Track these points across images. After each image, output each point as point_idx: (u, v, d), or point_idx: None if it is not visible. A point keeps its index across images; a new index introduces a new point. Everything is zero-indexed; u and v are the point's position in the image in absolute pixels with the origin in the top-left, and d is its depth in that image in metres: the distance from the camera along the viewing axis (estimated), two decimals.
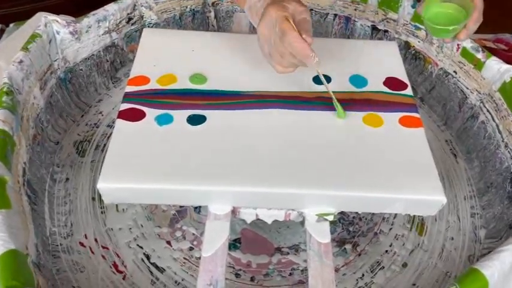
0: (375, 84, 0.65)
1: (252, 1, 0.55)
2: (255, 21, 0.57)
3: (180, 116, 0.58)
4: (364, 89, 0.64)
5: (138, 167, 0.53)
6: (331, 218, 0.55)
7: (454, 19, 0.60)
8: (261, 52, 0.56)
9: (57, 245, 0.59)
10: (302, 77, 0.64)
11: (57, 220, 0.62)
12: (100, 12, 0.73)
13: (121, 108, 0.59)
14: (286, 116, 0.59)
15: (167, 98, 0.60)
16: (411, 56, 0.83)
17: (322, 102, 0.61)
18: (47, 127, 0.68)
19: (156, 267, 0.59)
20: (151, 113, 0.58)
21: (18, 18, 0.94)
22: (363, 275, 0.60)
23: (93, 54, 0.75)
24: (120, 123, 0.57)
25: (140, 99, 0.60)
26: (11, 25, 0.95)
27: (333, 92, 0.59)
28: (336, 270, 0.60)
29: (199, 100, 0.60)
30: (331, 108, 0.60)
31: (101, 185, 0.51)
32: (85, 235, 0.61)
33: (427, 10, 0.61)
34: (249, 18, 0.58)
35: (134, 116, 0.58)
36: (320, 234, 0.53)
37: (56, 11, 0.80)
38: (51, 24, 0.68)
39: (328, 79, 0.64)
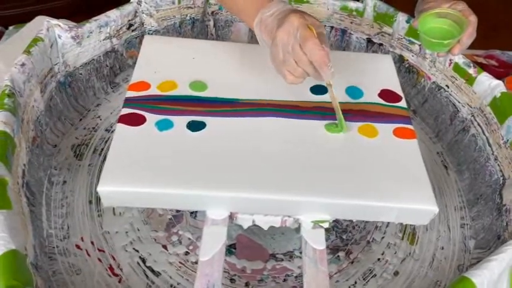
0: (370, 96, 0.67)
1: (264, 15, 0.56)
2: (263, 35, 0.57)
3: (180, 121, 0.59)
4: (359, 100, 0.66)
5: (137, 171, 0.53)
6: (326, 225, 0.56)
7: (448, 34, 0.62)
8: (271, 59, 0.56)
9: (54, 247, 0.59)
10: (300, 87, 0.65)
11: (54, 222, 0.62)
12: (102, 18, 0.74)
13: (122, 113, 0.60)
14: (284, 125, 0.61)
15: (167, 104, 0.61)
16: (405, 69, 0.85)
17: (319, 112, 0.63)
18: (46, 130, 0.68)
19: (152, 271, 0.59)
20: (151, 118, 0.59)
21: (17, 20, 0.95)
22: (356, 282, 0.61)
23: (93, 59, 0.76)
24: (121, 128, 0.58)
25: (141, 105, 0.61)
26: (11, 28, 0.96)
27: (330, 102, 0.61)
28: (329, 277, 0.60)
29: (199, 107, 0.61)
30: (328, 118, 0.61)
31: (101, 188, 0.52)
32: (81, 238, 0.61)
33: (423, 24, 0.63)
34: (257, 33, 0.59)
35: (135, 120, 0.59)
36: (315, 241, 0.54)
37: (54, 14, 0.82)
38: (53, 29, 0.69)
39: (325, 89, 0.66)
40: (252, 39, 0.88)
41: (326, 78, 0.54)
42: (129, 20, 0.78)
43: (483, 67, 0.87)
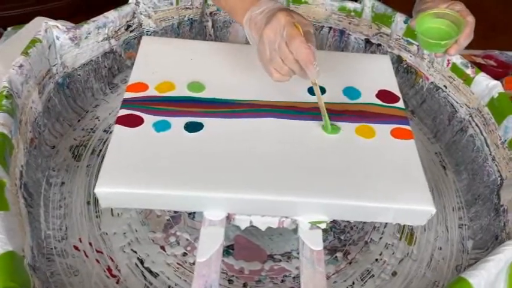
0: (368, 97, 0.67)
1: (254, 13, 0.57)
2: (253, 33, 0.58)
3: (178, 122, 0.59)
4: (357, 100, 0.66)
5: (135, 172, 0.53)
6: (323, 226, 0.56)
7: (446, 34, 0.62)
8: (259, 57, 0.57)
9: (52, 248, 0.59)
10: (297, 88, 0.65)
11: (52, 223, 0.62)
12: (100, 19, 0.74)
13: (119, 114, 0.60)
14: (281, 126, 0.61)
15: (165, 105, 0.61)
16: (403, 69, 0.85)
17: (316, 112, 0.62)
18: (44, 131, 0.68)
19: (150, 272, 0.59)
20: (149, 119, 0.59)
21: (19, 21, 0.95)
22: (353, 283, 0.61)
23: (91, 60, 0.76)
24: (118, 129, 0.58)
25: (138, 106, 0.61)
26: (9, 29, 0.96)
27: (327, 102, 0.61)
28: (327, 278, 0.60)
29: (196, 108, 0.61)
30: None
31: (98, 189, 0.52)
32: (79, 239, 0.61)
33: (420, 25, 0.63)
34: (246, 30, 0.59)
35: (132, 121, 0.59)
36: (313, 242, 0.54)
37: (53, 15, 0.82)
38: (51, 30, 0.69)
39: (323, 90, 0.66)
40: None
41: (311, 76, 0.55)
42: (127, 21, 0.78)
43: (481, 67, 0.87)
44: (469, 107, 0.74)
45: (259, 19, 0.56)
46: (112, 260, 0.59)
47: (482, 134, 0.71)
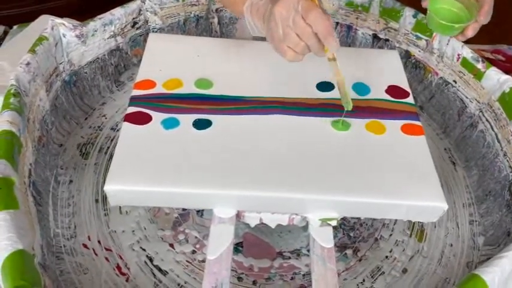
0: (378, 92, 0.66)
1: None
2: (255, 19, 0.56)
3: (186, 120, 0.59)
4: (366, 96, 0.65)
5: (144, 170, 0.53)
6: (334, 223, 0.55)
7: (456, 17, 0.61)
8: (269, 37, 0.54)
9: (61, 247, 0.59)
10: (306, 84, 0.65)
11: (61, 222, 0.62)
12: (106, 16, 0.74)
13: (127, 112, 0.59)
14: (290, 122, 0.60)
15: (173, 102, 0.61)
16: (411, 65, 0.84)
17: (325, 108, 0.62)
18: (51, 129, 0.68)
19: (159, 269, 0.59)
20: (157, 116, 0.59)
21: (21, 20, 0.95)
22: (364, 280, 0.60)
23: (98, 58, 0.76)
24: (127, 126, 0.57)
25: (147, 103, 0.60)
26: (15, 27, 0.96)
27: (336, 99, 0.60)
28: (337, 275, 0.60)
29: (205, 105, 0.61)
30: (334, 114, 0.61)
31: (108, 187, 0.52)
32: (88, 237, 0.61)
33: (432, 4, 0.62)
34: (247, 17, 0.57)
35: (141, 119, 0.58)
36: (323, 239, 0.54)
37: (54, 14, 0.81)
38: (57, 28, 0.69)
39: (331, 86, 0.65)
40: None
41: (332, 49, 0.52)
42: (133, 18, 0.78)
43: (490, 62, 0.86)
44: (479, 102, 0.73)
45: (261, 4, 0.54)
46: (121, 258, 0.59)
47: (493, 130, 0.70)
